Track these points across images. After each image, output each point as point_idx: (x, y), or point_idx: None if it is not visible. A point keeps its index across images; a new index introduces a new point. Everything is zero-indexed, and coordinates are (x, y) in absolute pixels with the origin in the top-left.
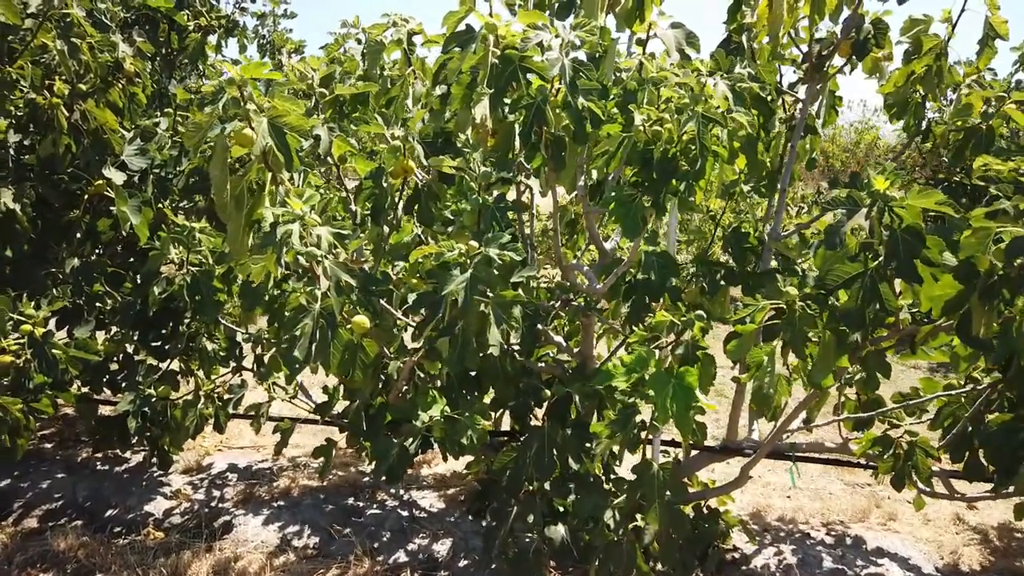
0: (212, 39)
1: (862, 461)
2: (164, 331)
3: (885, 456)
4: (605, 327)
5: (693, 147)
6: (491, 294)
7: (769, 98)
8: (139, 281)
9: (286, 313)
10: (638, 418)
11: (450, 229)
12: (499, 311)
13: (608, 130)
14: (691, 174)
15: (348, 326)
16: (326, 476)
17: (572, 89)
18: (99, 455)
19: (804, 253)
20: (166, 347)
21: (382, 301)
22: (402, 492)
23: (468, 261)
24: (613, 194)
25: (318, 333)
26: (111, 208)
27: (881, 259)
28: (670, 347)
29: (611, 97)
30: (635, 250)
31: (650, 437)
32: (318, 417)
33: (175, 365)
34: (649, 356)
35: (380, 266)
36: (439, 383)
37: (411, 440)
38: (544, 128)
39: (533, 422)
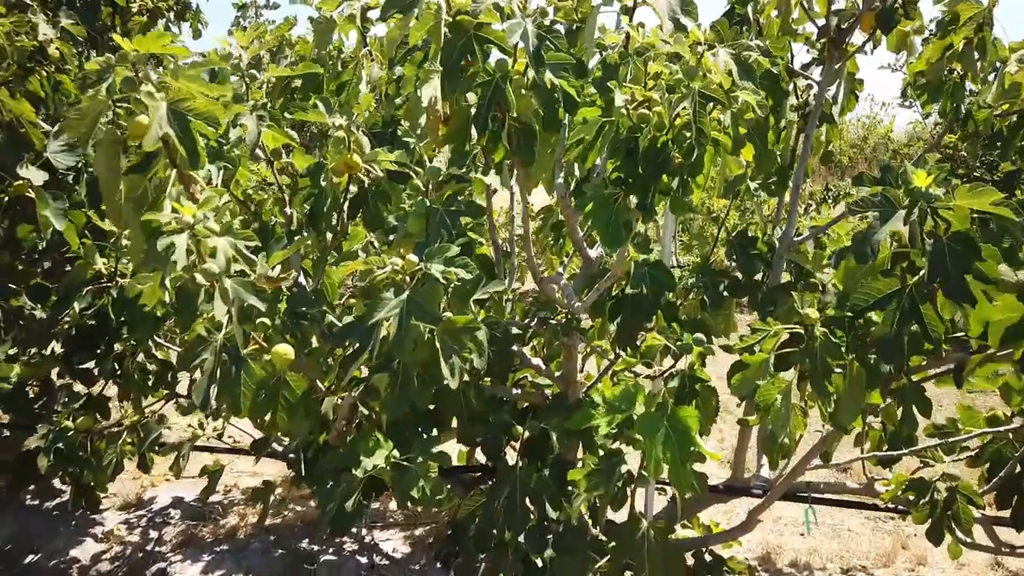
0: (162, 24)
1: (889, 504)
2: (98, 351)
3: (920, 503)
4: (590, 347)
5: (688, 134)
6: (449, 313)
7: (780, 77)
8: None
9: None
10: (624, 468)
11: (392, 238)
12: (449, 341)
13: (585, 114)
14: (686, 168)
15: (268, 357)
16: (263, 523)
17: (537, 62)
18: (31, 487)
19: (825, 264)
20: (96, 370)
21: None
22: (364, 532)
23: (407, 280)
24: (590, 193)
25: (219, 371)
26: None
27: (923, 273)
28: (664, 377)
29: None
30: (620, 260)
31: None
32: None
33: (112, 390)
34: (636, 391)
35: (326, 280)
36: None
37: (350, 495)
38: (507, 112)
39: (512, 452)
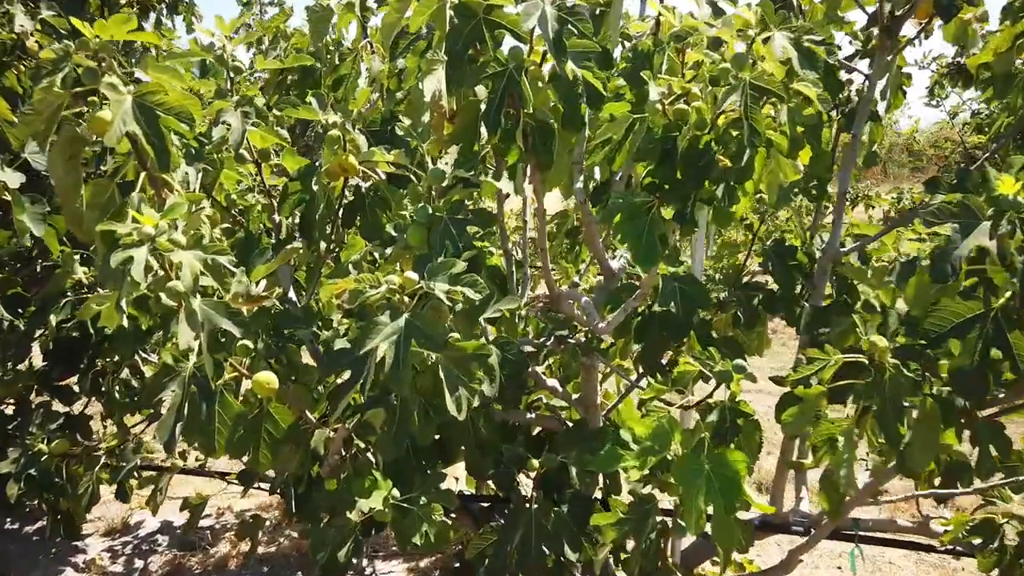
0: (153, 17)
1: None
2: (81, 366)
3: (987, 548)
4: (611, 367)
5: (736, 133)
6: (455, 334)
7: (835, 68)
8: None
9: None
10: (658, 517)
11: (389, 251)
12: (454, 372)
13: (612, 111)
14: (734, 173)
15: (249, 386)
16: (255, 552)
17: (557, 50)
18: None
19: (887, 282)
20: (76, 387)
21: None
22: (365, 562)
23: (406, 301)
24: (619, 201)
25: (187, 406)
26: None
27: (1011, 295)
28: (699, 408)
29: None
30: (650, 276)
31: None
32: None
33: (95, 406)
34: (672, 428)
35: (322, 296)
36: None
37: (344, 541)
38: (521, 108)
39: (525, 479)
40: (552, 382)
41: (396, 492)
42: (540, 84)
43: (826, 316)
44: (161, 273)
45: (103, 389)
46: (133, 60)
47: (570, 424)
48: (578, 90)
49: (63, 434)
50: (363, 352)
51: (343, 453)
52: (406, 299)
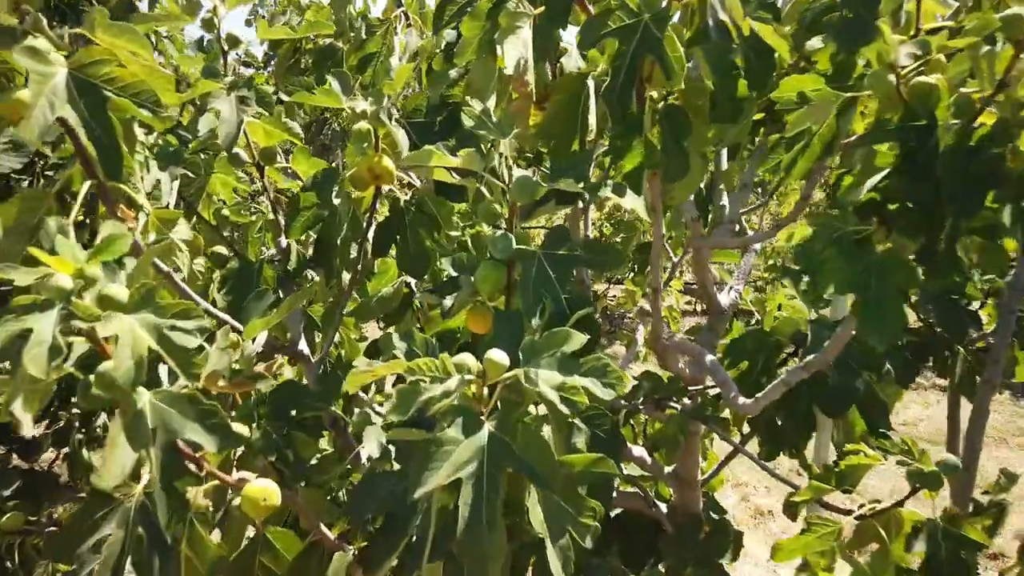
0: None
1: None
2: (51, 409)
3: None
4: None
5: None
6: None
7: None
8: None
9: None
10: None
11: (448, 301)
12: (558, 504)
13: (800, 87)
14: None
15: (236, 504)
16: None
17: None
18: None
19: None
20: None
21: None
22: None
23: (484, 396)
24: (820, 231)
25: (131, 559)
26: None
27: None
28: (882, 522)
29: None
30: (840, 339)
31: None
32: None
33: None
34: (880, 572)
35: (348, 387)
36: None
37: None
38: (646, 84)
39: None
40: (639, 451)
41: None
42: (681, 48)
43: None
44: (76, 347)
45: (69, 443)
46: None
47: (658, 504)
48: (729, 58)
49: (19, 500)
50: (418, 496)
51: None
52: (485, 392)
